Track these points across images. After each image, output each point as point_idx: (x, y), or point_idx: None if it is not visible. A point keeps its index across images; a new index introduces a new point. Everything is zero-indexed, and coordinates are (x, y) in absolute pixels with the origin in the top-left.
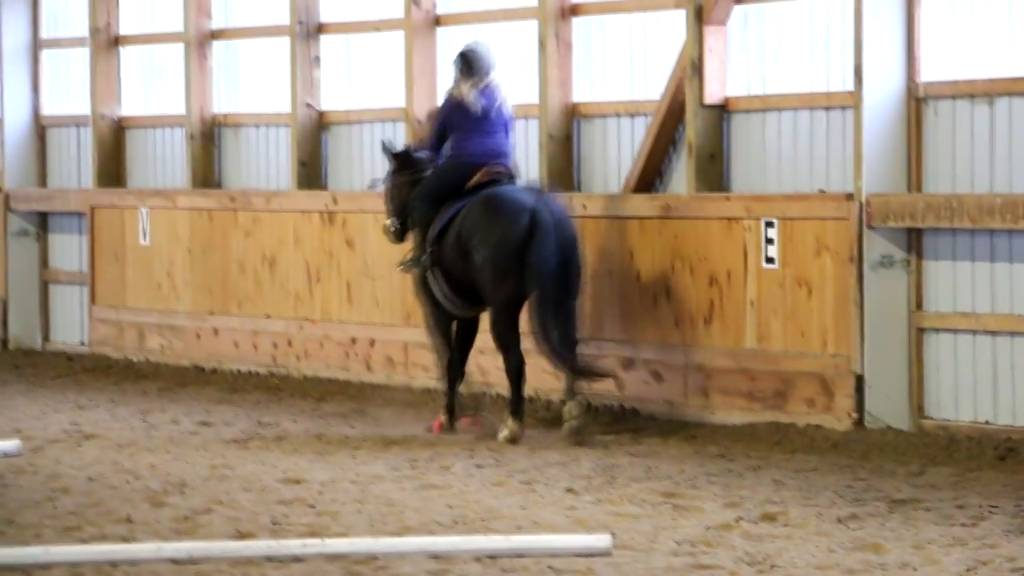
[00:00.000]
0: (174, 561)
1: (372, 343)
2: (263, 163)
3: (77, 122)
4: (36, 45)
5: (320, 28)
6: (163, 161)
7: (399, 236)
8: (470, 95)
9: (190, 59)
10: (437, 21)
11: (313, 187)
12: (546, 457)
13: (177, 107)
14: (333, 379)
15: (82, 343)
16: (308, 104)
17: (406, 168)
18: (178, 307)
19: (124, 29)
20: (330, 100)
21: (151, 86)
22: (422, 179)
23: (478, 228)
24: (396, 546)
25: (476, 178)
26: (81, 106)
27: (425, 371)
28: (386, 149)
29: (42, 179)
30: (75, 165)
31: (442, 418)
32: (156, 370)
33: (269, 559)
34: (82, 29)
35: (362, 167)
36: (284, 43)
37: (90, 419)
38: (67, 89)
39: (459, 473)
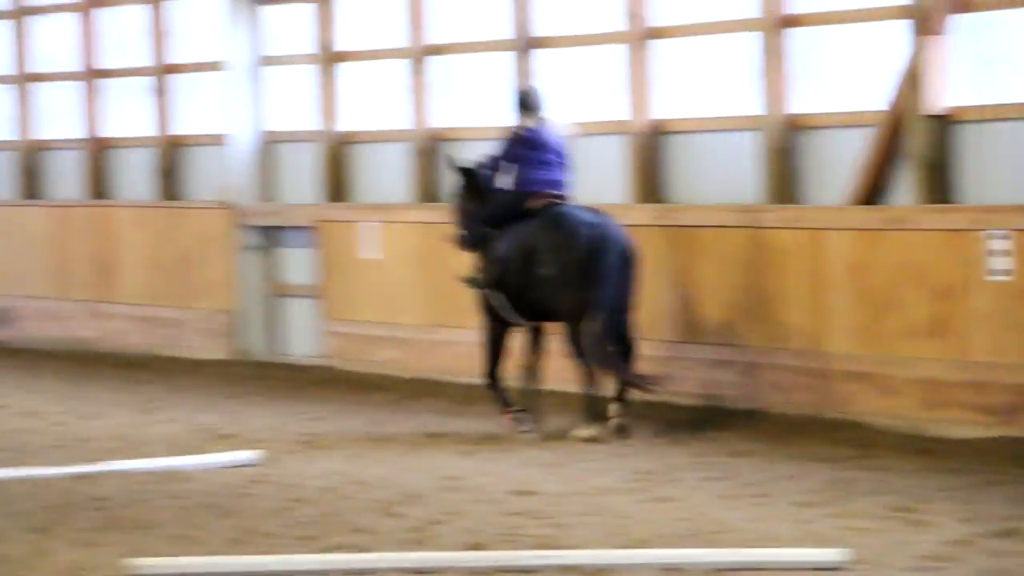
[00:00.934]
0: (407, 571)
1: None
2: None
3: (301, 138)
4: (260, 63)
5: (537, 42)
6: (386, 175)
7: (468, 246)
8: (531, 130)
9: (411, 75)
10: (653, 34)
11: None
12: (777, 470)
13: (398, 122)
14: (564, 392)
15: (313, 355)
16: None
17: (472, 184)
18: (406, 320)
19: (345, 45)
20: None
21: (372, 101)
22: (485, 196)
23: (542, 245)
24: (627, 558)
25: (536, 203)
26: (305, 122)
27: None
28: (453, 165)
29: (269, 194)
30: (301, 180)
31: (509, 415)
32: (386, 382)
33: (500, 570)
34: (305, 46)
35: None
36: (502, 57)
37: (322, 430)
38: (291, 105)
39: (690, 486)
